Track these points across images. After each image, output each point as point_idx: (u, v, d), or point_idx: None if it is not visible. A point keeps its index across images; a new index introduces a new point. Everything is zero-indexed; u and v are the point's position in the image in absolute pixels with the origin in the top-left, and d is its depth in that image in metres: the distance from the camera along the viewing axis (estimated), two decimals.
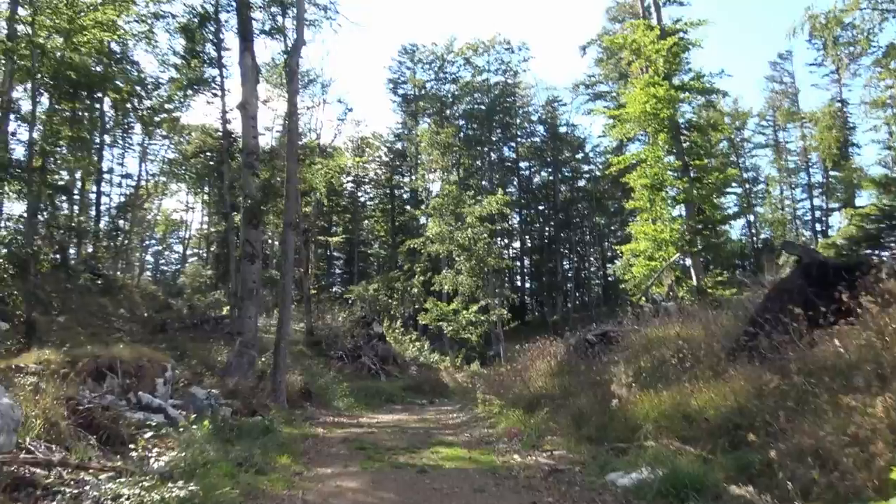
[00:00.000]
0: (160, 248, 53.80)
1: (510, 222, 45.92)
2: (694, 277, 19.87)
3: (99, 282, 25.42)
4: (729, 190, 37.33)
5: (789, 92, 52.63)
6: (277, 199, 13.12)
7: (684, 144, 20.94)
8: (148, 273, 49.22)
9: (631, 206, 21.77)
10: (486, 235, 31.53)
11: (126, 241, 33.96)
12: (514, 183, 54.78)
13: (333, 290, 47.43)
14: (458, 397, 19.29)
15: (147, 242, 50.00)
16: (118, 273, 31.88)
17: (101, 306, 23.76)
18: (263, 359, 14.00)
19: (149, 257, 52.88)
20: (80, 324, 20.43)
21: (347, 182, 52.88)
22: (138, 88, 27.54)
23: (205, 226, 50.20)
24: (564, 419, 6.95)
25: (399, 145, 52.71)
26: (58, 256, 21.28)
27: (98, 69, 23.48)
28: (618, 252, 52.60)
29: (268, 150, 32.39)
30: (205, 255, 48.97)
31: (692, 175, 20.48)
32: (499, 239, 43.20)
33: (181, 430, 6.07)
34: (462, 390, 22.70)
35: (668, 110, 20.23)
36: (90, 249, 29.37)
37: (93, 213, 31.07)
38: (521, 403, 8.67)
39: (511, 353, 31.37)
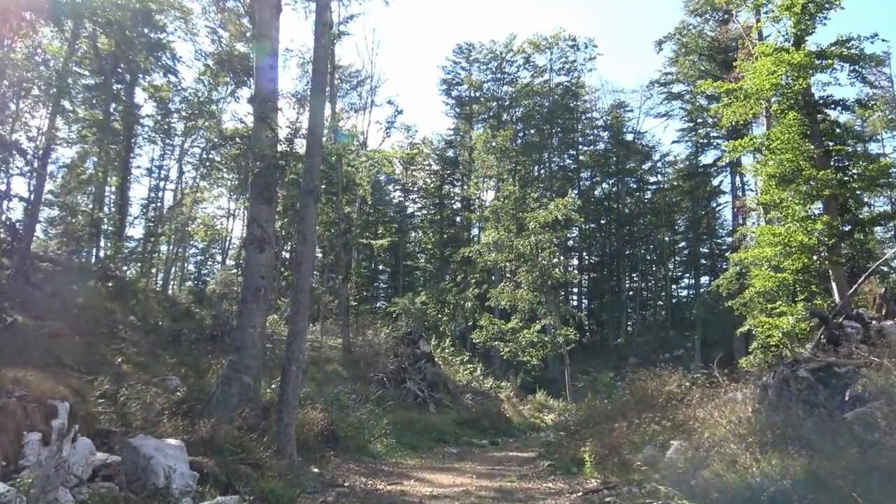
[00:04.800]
0: (202, 257, 51.42)
1: (571, 232, 41.70)
2: (836, 293, 15.32)
3: (110, 284, 22.39)
4: None
5: (886, 97, 47.23)
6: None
7: (821, 125, 16.52)
8: (189, 282, 46.83)
9: (762, 199, 17.31)
10: (551, 245, 27.47)
11: (155, 244, 31.23)
12: (575, 194, 50.41)
13: (378, 304, 44.06)
14: (529, 439, 15.11)
15: (188, 251, 47.66)
16: (141, 277, 29.06)
17: (109, 311, 20.68)
18: (274, 385, 10.12)
19: (191, 267, 50.58)
20: (78, 331, 17.26)
21: (395, 191, 49.85)
22: (171, 77, 25.22)
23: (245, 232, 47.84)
24: None
25: (450, 152, 49.27)
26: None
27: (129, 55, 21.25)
28: (680, 272, 48.48)
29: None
30: (243, 263, 46.49)
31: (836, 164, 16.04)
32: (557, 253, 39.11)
33: None
34: (529, 427, 18.54)
35: (803, 82, 15.85)
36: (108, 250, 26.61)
37: (113, 211, 28.39)
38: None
39: (577, 380, 27.16)
